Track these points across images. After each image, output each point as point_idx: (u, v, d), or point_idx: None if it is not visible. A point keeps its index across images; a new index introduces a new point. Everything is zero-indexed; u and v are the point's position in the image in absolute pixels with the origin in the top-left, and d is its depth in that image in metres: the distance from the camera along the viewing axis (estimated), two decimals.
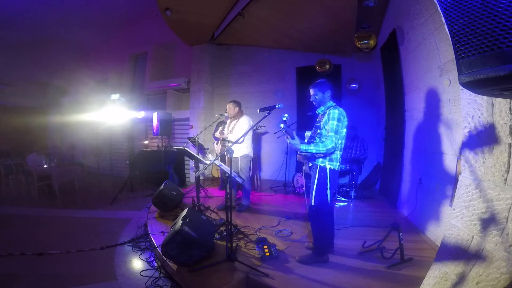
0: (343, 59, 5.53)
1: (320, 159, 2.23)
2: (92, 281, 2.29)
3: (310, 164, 2.31)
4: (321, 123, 2.24)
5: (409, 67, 3.41)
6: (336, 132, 2.14)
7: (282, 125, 2.09)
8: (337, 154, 2.25)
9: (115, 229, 3.47)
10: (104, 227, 3.60)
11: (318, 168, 2.22)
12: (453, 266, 1.36)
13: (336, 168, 2.24)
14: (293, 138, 2.13)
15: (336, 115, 2.17)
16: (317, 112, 2.38)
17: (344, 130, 2.23)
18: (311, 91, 2.36)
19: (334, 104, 2.31)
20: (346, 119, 2.23)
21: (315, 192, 2.22)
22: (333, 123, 2.15)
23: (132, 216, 4.01)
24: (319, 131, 2.25)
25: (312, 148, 2.13)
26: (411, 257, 2.21)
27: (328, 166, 2.21)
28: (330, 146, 2.10)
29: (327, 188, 2.19)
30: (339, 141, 2.19)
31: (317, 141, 2.21)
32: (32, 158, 5.59)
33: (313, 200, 2.23)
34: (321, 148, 2.11)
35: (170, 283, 2.21)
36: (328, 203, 2.21)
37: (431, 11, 2.57)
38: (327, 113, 2.21)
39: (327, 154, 2.20)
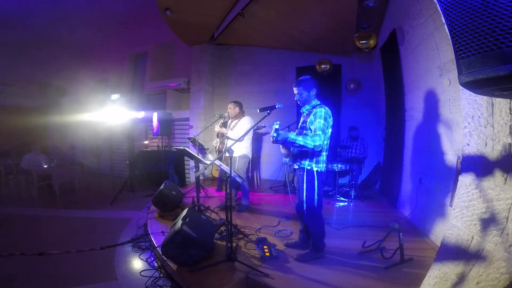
0: (343, 59, 5.54)
1: (307, 162, 2.19)
2: (92, 281, 2.29)
3: (296, 167, 2.29)
4: (307, 123, 2.18)
5: (409, 67, 3.41)
6: (323, 131, 2.08)
7: (274, 134, 2.01)
8: (323, 156, 2.20)
9: (115, 229, 3.47)
10: (104, 227, 3.60)
11: (305, 172, 2.20)
12: (453, 266, 1.36)
13: (323, 170, 2.21)
14: (287, 135, 2.05)
15: (323, 114, 2.11)
16: (301, 111, 2.31)
17: (330, 130, 2.17)
18: (295, 90, 2.26)
19: (319, 102, 2.24)
20: (331, 118, 2.17)
21: (305, 196, 2.21)
22: (320, 122, 2.09)
23: (132, 216, 4.01)
24: (304, 131, 2.19)
25: (300, 140, 2.03)
26: (411, 257, 2.21)
27: (315, 169, 2.18)
28: (318, 143, 2.02)
29: (314, 191, 2.19)
30: (325, 142, 2.14)
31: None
32: (29, 158, 5.57)
33: (304, 204, 2.22)
34: (309, 142, 2.02)
35: (170, 283, 2.20)
36: (316, 204, 2.20)
37: (431, 11, 2.56)
38: (313, 112, 2.15)
39: (314, 155, 2.16)
